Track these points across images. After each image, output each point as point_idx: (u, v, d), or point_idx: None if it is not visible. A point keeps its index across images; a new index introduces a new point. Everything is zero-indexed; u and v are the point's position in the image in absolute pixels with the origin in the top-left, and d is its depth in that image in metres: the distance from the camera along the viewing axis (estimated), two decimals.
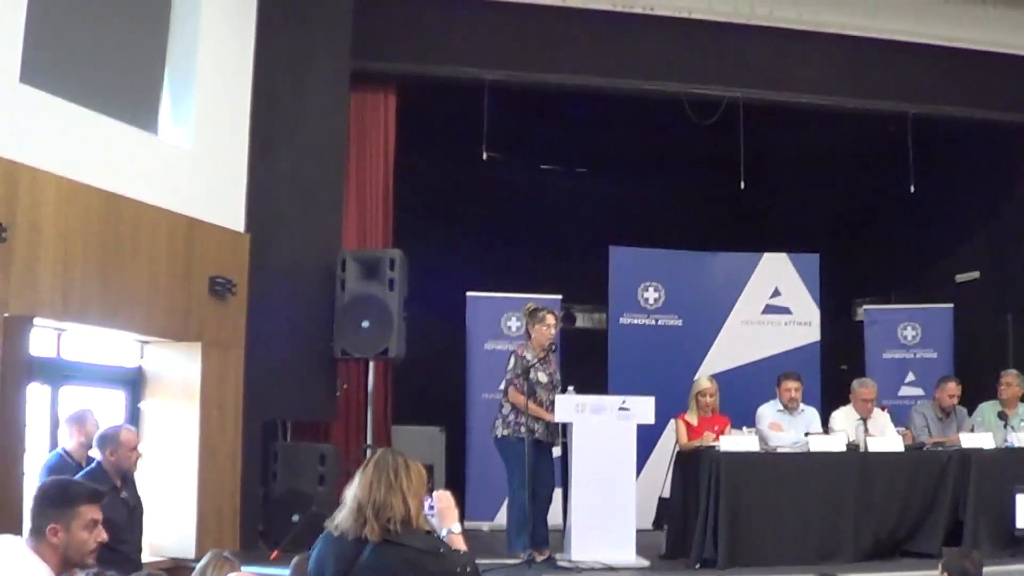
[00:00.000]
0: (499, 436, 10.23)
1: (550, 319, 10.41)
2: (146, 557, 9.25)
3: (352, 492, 4.81)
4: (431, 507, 5.09)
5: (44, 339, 8.93)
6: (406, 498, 4.75)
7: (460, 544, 5.00)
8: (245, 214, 10.79)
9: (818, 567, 9.19)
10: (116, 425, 8.16)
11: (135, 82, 10.02)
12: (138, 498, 8.17)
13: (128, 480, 7.95)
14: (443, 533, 5.01)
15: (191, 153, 10.21)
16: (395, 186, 12.47)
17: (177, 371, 10.03)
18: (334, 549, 4.80)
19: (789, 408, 11.23)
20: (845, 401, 11.62)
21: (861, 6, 13.26)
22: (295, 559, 6.06)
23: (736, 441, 10.41)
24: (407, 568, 4.66)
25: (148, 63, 10.14)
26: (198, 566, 5.86)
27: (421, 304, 11.92)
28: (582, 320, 15.87)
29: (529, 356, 10.24)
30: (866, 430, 11.26)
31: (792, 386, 11.25)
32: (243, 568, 5.60)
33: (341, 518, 4.80)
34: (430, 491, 5.18)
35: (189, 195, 10.01)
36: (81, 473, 7.77)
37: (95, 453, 7.84)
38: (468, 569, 4.81)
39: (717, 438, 10.57)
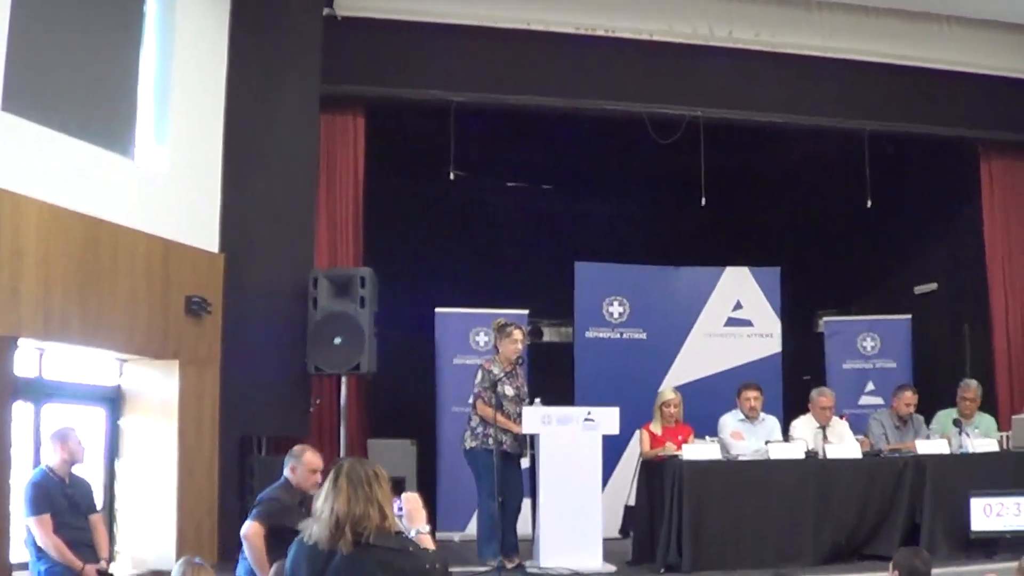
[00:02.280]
0: (468, 448, 10.45)
1: (517, 334, 10.62)
2: (127, 570, 9.51)
3: (328, 506, 4.85)
4: (400, 508, 5.32)
5: (27, 358, 9.09)
6: (381, 507, 4.86)
7: (429, 543, 5.14)
8: (219, 235, 11.00)
9: (777, 569, 9.50)
10: (303, 446, 8.55)
11: (111, 108, 10.19)
12: None
13: (306, 500, 8.02)
14: (412, 533, 5.14)
15: (166, 177, 10.41)
16: (365, 206, 12.59)
17: (155, 388, 10.21)
18: (308, 556, 4.91)
19: (750, 417, 11.50)
20: (807, 411, 11.84)
21: (818, 27, 13.51)
22: (274, 567, 6.29)
23: (699, 450, 10.65)
24: (379, 568, 4.78)
25: (123, 89, 10.32)
26: (172, 574, 6.11)
27: (391, 320, 12.07)
28: (549, 334, 15.97)
29: (496, 370, 10.46)
30: (825, 438, 11.45)
31: (752, 395, 11.53)
32: None
33: (317, 530, 4.86)
34: (398, 494, 5.42)
35: (165, 217, 10.21)
36: (273, 486, 8.24)
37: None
38: (437, 565, 4.95)
39: (679, 447, 10.81)
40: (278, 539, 7.35)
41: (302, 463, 8.21)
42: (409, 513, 5.25)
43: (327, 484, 4.95)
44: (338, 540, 4.82)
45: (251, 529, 7.86)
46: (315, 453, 8.42)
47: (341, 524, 4.81)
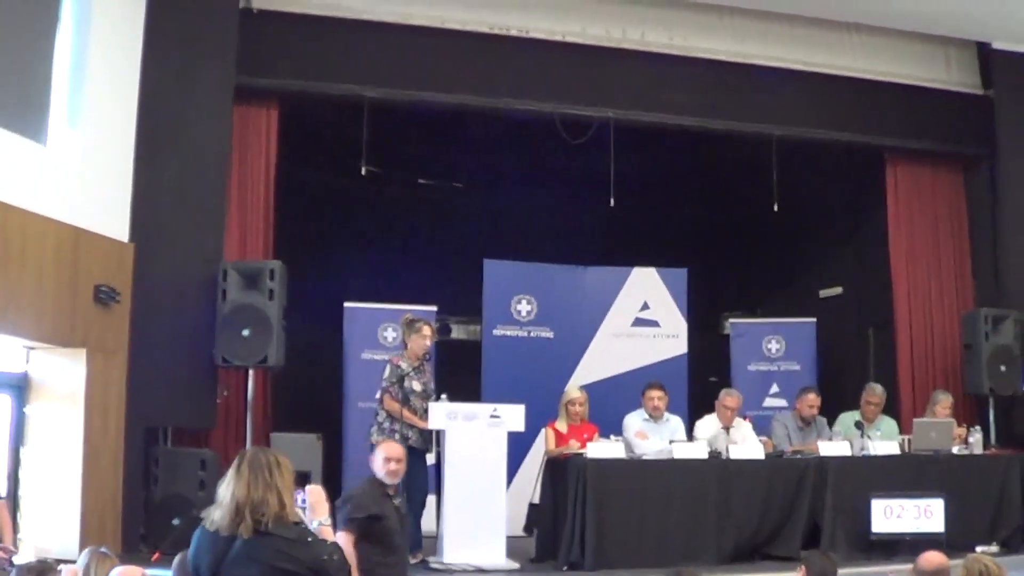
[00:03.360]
0: (375, 442, 10.40)
1: (426, 330, 10.72)
2: (29, 557, 9.44)
3: (229, 491, 4.97)
4: (303, 500, 5.39)
5: None
6: (280, 494, 4.97)
7: (329, 535, 5.29)
8: (129, 224, 10.95)
9: (678, 568, 9.64)
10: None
11: (23, 92, 10.09)
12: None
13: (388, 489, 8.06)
14: (313, 525, 5.27)
15: (78, 163, 10.36)
16: (276, 198, 12.54)
17: (62, 377, 10.15)
18: (210, 542, 5.01)
19: (654, 417, 11.62)
20: (712, 411, 12.05)
21: (730, 31, 13.67)
22: (177, 557, 6.32)
23: (603, 448, 10.76)
24: (276, 557, 4.90)
25: (37, 74, 10.24)
26: (78, 565, 6.11)
27: (300, 314, 12.02)
28: (457, 331, 15.96)
29: (404, 365, 10.56)
30: (729, 438, 11.63)
31: (655, 395, 11.64)
32: None
33: (218, 516, 4.98)
34: (302, 486, 5.49)
35: (75, 205, 10.16)
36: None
37: None
38: (335, 556, 5.05)
39: (584, 446, 10.91)
40: (368, 531, 7.58)
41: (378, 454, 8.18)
42: (312, 505, 5.37)
43: (230, 470, 5.07)
44: (238, 525, 4.92)
45: (340, 540, 7.88)
46: (392, 443, 8.46)
47: (240, 509, 4.92)
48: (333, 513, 5.96)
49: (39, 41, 10.30)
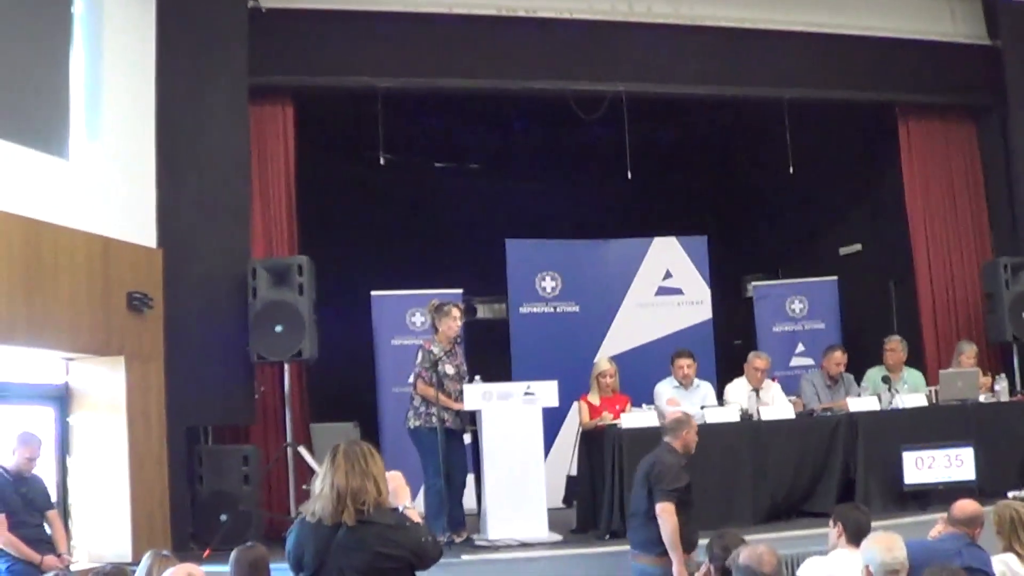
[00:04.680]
0: (412, 427, 10.66)
1: (455, 312, 10.81)
2: (85, 563, 9.66)
3: (328, 482, 5.26)
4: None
5: None
6: (377, 481, 5.30)
7: (416, 517, 5.52)
8: (157, 230, 11.09)
9: (719, 530, 9.77)
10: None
11: (43, 110, 10.24)
12: None
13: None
14: (399, 509, 5.49)
15: (101, 174, 10.49)
16: (297, 194, 12.63)
17: (102, 385, 10.31)
18: (313, 533, 5.30)
19: (684, 384, 11.75)
20: (740, 375, 12.13)
21: None
22: (234, 553, 6.50)
23: (636, 418, 10.84)
24: (380, 542, 5.22)
25: (54, 90, 10.37)
26: (140, 568, 6.30)
27: (329, 306, 12.15)
28: (483, 311, 15.95)
29: (436, 350, 10.66)
30: (759, 400, 11.75)
31: (684, 363, 11.76)
32: None
33: (319, 507, 5.28)
34: None
35: (102, 215, 10.29)
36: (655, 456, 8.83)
37: None
38: (429, 538, 5.41)
39: (616, 416, 11.02)
40: (682, 499, 8.44)
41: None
42: (395, 491, 5.58)
43: (325, 464, 5.37)
44: (341, 513, 5.23)
45: (665, 509, 8.40)
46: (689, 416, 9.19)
47: (343, 497, 5.23)
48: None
49: (55, 59, 10.43)
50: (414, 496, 11.63)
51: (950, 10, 14.49)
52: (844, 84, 14.10)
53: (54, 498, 9.63)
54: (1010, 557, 6.69)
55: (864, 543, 6.05)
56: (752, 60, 13.80)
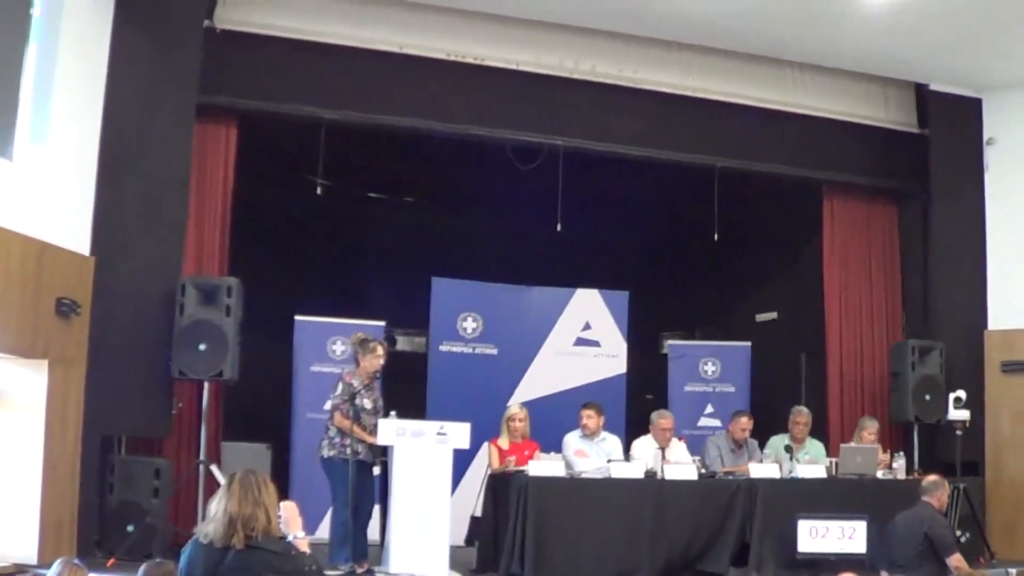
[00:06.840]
0: (325, 456, 10.81)
1: (379, 349, 11.00)
2: None
3: (222, 506, 5.55)
4: (279, 515, 5.84)
5: None
6: (267, 510, 5.58)
7: (304, 547, 5.81)
8: (91, 239, 11.10)
9: None
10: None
11: None
12: None
13: None
14: (290, 538, 5.76)
15: (42, 178, 10.47)
16: (233, 214, 12.70)
17: (23, 387, 10.24)
18: (204, 553, 5.54)
19: (587, 435, 12.01)
20: (648, 431, 12.40)
21: (676, 66, 13.98)
22: (143, 567, 6.61)
23: (543, 466, 11.07)
24: (265, 568, 5.47)
25: (4, 91, 10.26)
26: (50, 574, 6.42)
27: (252, 326, 12.12)
28: (403, 343, 16.07)
29: (355, 383, 10.84)
30: (664, 458, 11.98)
31: (586, 413, 12.08)
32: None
33: (212, 529, 5.55)
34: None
35: (39, 219, 10.27)
36: None
37: None
38: (315, 567, 5.70)
39: (519, 463, 11.28)
40: None
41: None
42: (287, 520, 5.86)
43: (221, 489, 5.68)
44: (231, 537, 5.51)
45: None
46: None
47: (234, 522, 5.52)
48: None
49: (9, 59, 10.34)
50: (318, 523, 11.83)
51: (884, 96, 14.91)
52: (775, 158, 14.49)
53: None
54: None
55: None
56: (688, 127, 14.13)
